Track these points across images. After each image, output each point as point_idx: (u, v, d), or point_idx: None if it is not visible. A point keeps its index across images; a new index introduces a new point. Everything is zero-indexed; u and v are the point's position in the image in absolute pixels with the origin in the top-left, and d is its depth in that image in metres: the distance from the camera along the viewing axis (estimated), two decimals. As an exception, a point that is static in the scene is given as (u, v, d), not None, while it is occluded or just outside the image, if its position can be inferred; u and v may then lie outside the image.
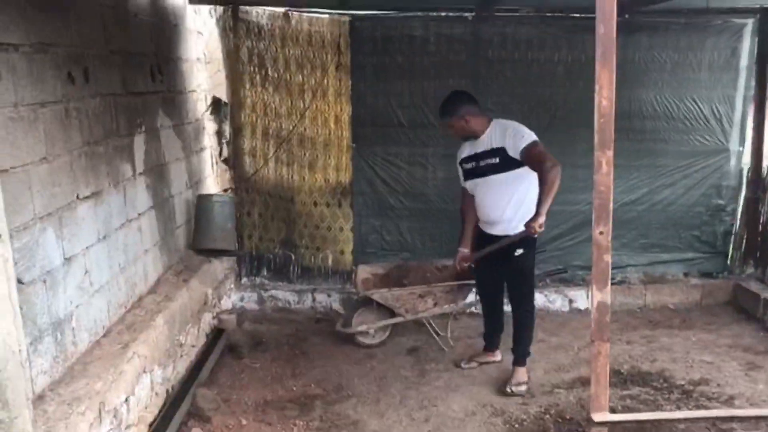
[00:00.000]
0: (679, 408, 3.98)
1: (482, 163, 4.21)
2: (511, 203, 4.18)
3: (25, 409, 2.35)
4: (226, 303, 5.51)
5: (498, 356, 4.67)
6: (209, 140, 5.82)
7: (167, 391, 3.95)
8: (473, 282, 4.79)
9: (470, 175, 4.32)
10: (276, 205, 5.79)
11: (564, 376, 4.48)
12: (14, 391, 2.28)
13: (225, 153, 5.85)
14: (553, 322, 5.45)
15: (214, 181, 5.93)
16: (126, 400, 3.30)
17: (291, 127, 5.61)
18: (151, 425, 3.60)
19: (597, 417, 2.11)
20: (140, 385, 3.51)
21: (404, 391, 4.33)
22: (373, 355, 4.85)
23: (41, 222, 2.96)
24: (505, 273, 4.34)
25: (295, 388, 4.38)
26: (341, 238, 5.80)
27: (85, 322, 3.36)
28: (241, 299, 5.73)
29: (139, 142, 4.20)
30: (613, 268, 5.66)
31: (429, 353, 4.85)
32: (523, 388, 4.26)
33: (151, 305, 4.02)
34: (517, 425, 3.91)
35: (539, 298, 5.68)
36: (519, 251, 4.18)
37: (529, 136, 4.05)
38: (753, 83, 5.59)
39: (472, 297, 5.23)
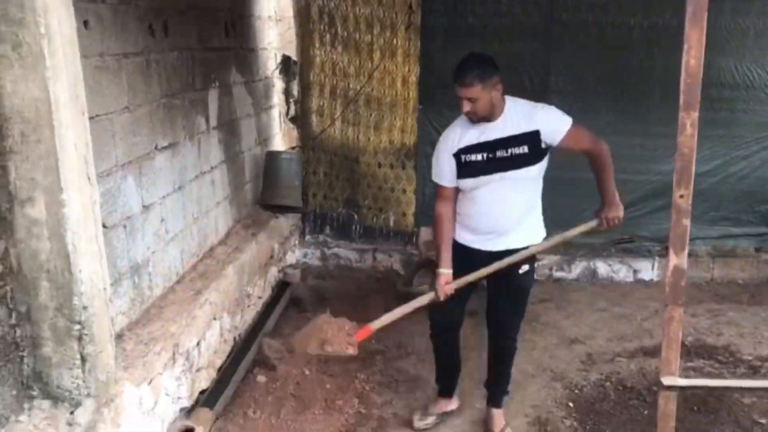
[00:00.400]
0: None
1: (501, 154, 3.11)
2: (530, 206, 3.29)
3: (108, 345, 2.48)
4: (291, 258, 5.63)
5: (456, 403, 3.73)
6: (278, 98, 5.89)
7: (234, 339, 4.08)
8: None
9: (477, 170, 3.14)
10: (341, 164, 5.84)
11: (626, 345, 4.45)
12: (99, 327, 2.41)
13: (292, 111, 5.91)
14: (616, 291, 5.38)
15: (281, 139, 6.02)
16: (198, 344, 3.43)
17: (359, 87, 5.62)
18: (219, 369, 3.75)
19: (666, 381, 2.10)
20: (211, 330, 3.64)
21: (465, 352, 4.33)
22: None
23: (123, 170, 3.08)
24: (500, 295, 3.37)
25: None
26: (404, 199, 5.82)
27: (161, 269, 3.50)
28: (305, 255, 5.85)
29: (213, 97, 4.29)
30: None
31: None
32: None
33: (222, 256, 4.14)
34: (576, 391, 3.91)
35: (603, 268, 5.63)
36: (525, 267, 3.29)
37: (565, 115, 3.18)
38: None
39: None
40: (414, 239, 5.69)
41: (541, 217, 3.36)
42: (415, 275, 5.00)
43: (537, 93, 5.47)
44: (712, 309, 5.00)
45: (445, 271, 3.23)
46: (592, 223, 3.36)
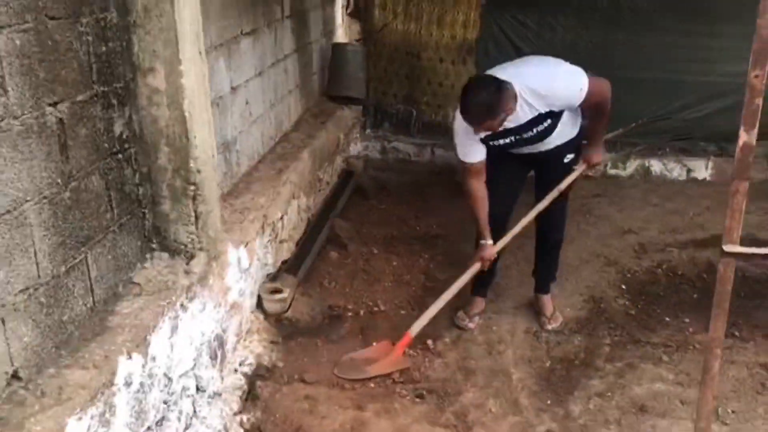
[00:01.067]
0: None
1: (528, 135, 3.21)
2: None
3: (217, 206, 2.77)
4: (354, 149, 5.86)
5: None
6: (340, -9, 5.97)
7: (308, 218, 4.38)
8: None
9: (510, 146, 3.28)
10: (401, 59, 5.95)
11: (677, 237, 4.63)
12: (209, 189, 2.69)
13: (353, 5, 5.98)
14: (670, 189, 5.51)
15: (343, 32, 6.13)
16: (281, 218, 3.73)
17: (423, -19, 5.66)
18: (297, 244, 4.06)
19: (728, 248, 2.30)
20: (291, 207, 3.93)
21: (522, 239, 4.61)
22: (490, 206, 5.12)
23: (216, 51, 3.28)
24: (544, 184, 3.46)
25: (418, 228, 4.75)
26: (463, 95, 5.94)
27: (246, 147, 3.76)
28: (365, 148, 6.07)
29: (287, -14, 4.42)
30: (735, 141, 5.75)
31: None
32: (561, 319, 3.67)
33: (297, 141, 4.39)
34: (629, 275, 4.14)
35: (657, 166, 5.75)
36: (570, 156, 3.39)
37: (575, 82, 3.10)
38: None
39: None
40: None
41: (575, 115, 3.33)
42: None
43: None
44: (763, 207, 5.11)
45: (488, 242, 3.37)
46: (581, 169, 3.47)
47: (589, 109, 3.25)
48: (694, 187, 5.60)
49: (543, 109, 3.12)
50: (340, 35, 6.06)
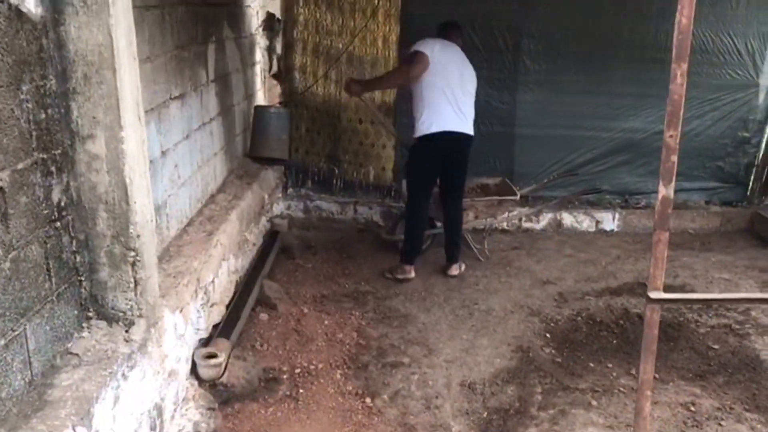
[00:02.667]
0: (700, 316, 4.38)
1: None
2: None
3: (155, 271, 2.74)
4: (277, 209, 5.87)
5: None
6: (261, 55, 6.06)
7: (237, 280, 4.34)
8: (513, 198, 5.16)
9: None
10: (323, 120, 6.07)
11: (593, 286, 4.88)
12: (148, 254, 2.66)
13: (275, 68, 6.10)
14: (581, 240, 5.82)
15: (264, 94, 6.20)
16: (213, 281, 3.69)
17: (341, 46, 5.84)
18: (227, 307, 4.01)
19: (653, 295, 2.47)
20: (221, 270, 3.89)
21: (447, 292, 4.74)
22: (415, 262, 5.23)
23: (147, 115, 3.27)
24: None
25: (347, 285, 4.79)
26: (383, 155, 6.11)
27: (175, 211, 3.72)
28: (288, 207, 6.10)
29: (212, 51, 4.47)
30: (638, 194, 6.19)
31: (467, 262, 5.22)
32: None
33: (224, 202, 4.37)
34: (552, 324, 4.32)
35: (568, 219, 6.06)
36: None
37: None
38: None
39: (507, 214, 5.61)
40: (393, 192, 6.00)
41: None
42: (398, 224, 5.31)
43: (511, 53, 5.81)
44: (668, 255, 5.39)
45: None
46: None
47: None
48: (603, 237, 5.94)
49: None
50: (261, 98, 6.14)
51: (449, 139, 4.70)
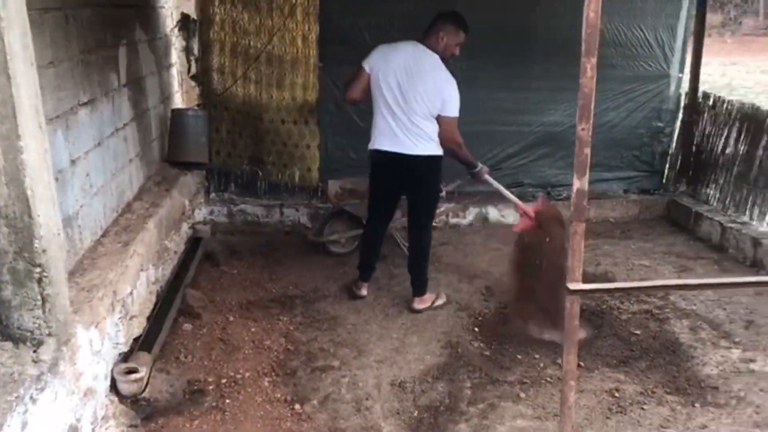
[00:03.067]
0: (622, 303, 4.50)
1: None
2: None
3: (64, 287, 2.61)
4: (199, 215, 5.73)
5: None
6: (177, 57, 5.90)
7: (158, 291, 4.20)
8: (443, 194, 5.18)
9: None
10: (244, 122, 5.95)
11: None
12: (56, 269, 2.53)
13: (194, 69, 5.94)
14: (506, 234, 5.88)
15: (181, 97, 6.04)
16: (131, 293, 3.55)
17: (260, 45, 5.73)
18: (148, 318, 3.88)
19: (572, 286, 2.49)
20: (140, 281, 3.76)
21: (376, 291, 4.71)
22: (343, 263, 5.18)
23: (52, 124, 3.12)
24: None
25: (274, 290, 4.70)
26: (308, 155, 6.03)
27: (88, 222, 3.56)
28: (211, 213, 5.95)
29: (123, 55, 4.30)
30: (559, 186, 6.31)
31: (395, 260, 5.22)
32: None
33: (141, 210, 4.22)
34: (480, 318, 4.35)
35: (493, 213, 6.14)
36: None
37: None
38: (693, 13, 6.02)
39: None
40: (320, 192, 5.93)
41: None
42: (326, 225, 5.25)
43: (431, 50, 5.80)
44: (589, 244, 5.59)
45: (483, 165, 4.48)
46: None
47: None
48: (528, 230, 6.02)
49: None
50: (178, 100, 5.97)
51: (385, 158, 4.27)
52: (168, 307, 4.06)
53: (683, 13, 6.01)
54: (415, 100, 4.09)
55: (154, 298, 4.09)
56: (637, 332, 4.14)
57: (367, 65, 4.24)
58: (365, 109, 5.87)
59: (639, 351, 3.92)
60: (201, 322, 4.16)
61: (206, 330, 4.10)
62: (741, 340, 4.00)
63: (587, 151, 2.44)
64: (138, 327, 3.69)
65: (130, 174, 4.39)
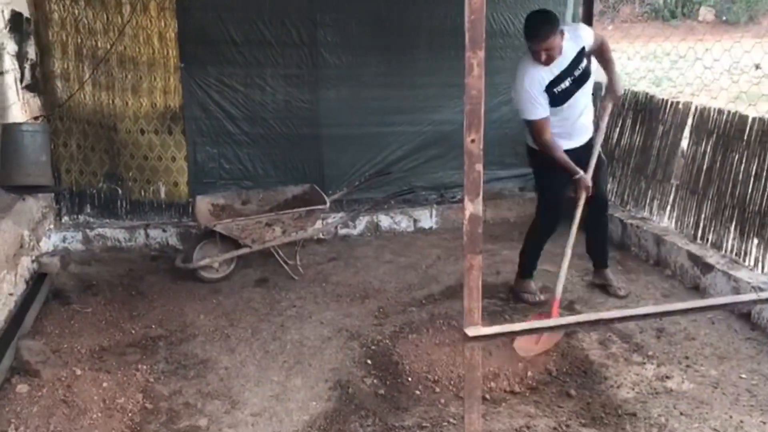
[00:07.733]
0: (525, 317, 4.12)
1: (578, 72, 3.93)
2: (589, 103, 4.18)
3: None
4: (47, 245, 4.96)
5: None
6: (11, 63, 5.07)
7: (-17, 347, 3.46)
8: (322, 207, 4.65)
9: (569, 94, 3.93)
10: (96, 134, 5.22)
11: (415, 295, 4.51)
12: None
13: (28, 78, 5.12)
14: (400, 242, 5.46)
15: (20, 109, 5.20)
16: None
17: (108, 46, 5.01)
18: (-34, 388, 3.15)
19: (471, 331, 2.04)
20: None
21: (255, 324, 4.14)
22: (218, 290, 4.59)
23: None
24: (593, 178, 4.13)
25: (134, 331, 4.04)
26: (174, 168, 5.36)
27: None
28: (64, 240, 5.18)
29: None
30: (454, 187, 5.90)
31: (278, 283, 4.68)
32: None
33: (-46, 252, 3.47)
34: (374, 347, 3.86)
35: (385, 220, 5.68)
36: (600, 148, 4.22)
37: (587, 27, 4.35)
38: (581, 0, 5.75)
39: (320, 223, 5.11)
40: (191, 209, 5.27)
41: None
42: (196, 249, 4.62)
43: (307, 47, 5.31)
44: (488, 249, 5.21)
45: (583, 174, 4.03)
46: (609, 106, 4.27)
47: (600, 55, 4.12)
48: (422, 237, 5.61)
49: (577, 47, 3.88)
50: (16, 113, 5.13)
51: None
52: (-5, 368, 3.34)
53: (571, 1, 5.74)
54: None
55: (-24, 359, 3.35)
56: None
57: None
58: (236, 114, 5.33)
59: (547, 374, 3.54)
60: (40, 380, 3.45)
61: (46, 390, 3.39)
62: (654, 353, 3.69)
63: (479, 167, 1.97)
64: (-52, 401, 2.97)
65: (-59, 207, 3.62)
